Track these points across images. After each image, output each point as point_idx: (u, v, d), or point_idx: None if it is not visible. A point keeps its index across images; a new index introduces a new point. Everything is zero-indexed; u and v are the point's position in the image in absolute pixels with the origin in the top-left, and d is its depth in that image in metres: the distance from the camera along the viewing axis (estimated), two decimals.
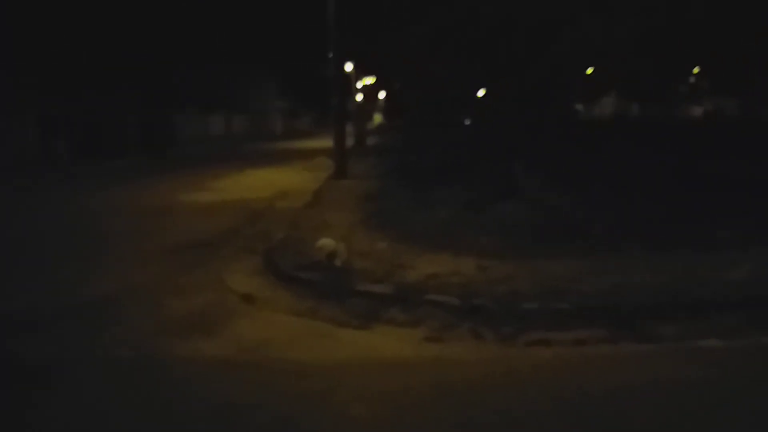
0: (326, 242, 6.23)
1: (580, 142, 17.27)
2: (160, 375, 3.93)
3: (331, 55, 15.20)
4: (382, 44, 16.24)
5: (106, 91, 26.83)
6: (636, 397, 3.41)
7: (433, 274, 5.70)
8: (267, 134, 49.66)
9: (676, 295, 4.89)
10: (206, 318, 4.96)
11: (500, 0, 9.02)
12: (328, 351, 4.22)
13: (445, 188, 10.79)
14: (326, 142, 30.91)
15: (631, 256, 6.01)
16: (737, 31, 21.85)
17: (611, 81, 41.40)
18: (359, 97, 38.32)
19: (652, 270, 5.51)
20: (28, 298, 5.63)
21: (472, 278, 5.55)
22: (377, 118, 61.15)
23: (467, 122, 37.60)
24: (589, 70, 28.99)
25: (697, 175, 11.45)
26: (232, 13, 39.87)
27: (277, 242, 7.48)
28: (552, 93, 12.45)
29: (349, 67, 47.66)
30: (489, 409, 3.30)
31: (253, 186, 14.22)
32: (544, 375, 3.76)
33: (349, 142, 19.48)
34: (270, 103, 56.98)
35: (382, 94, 59.09)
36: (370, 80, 47.23)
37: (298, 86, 62.29)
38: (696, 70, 36.78)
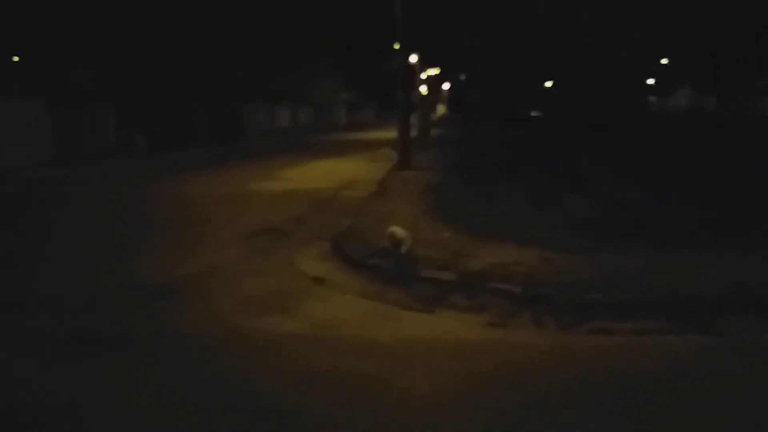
0: (396, 230, 6.47)
1: (650, 137, 16.82)
2: (240, 347, 4.28)
3: (396, 47, 15.41)
4: (445, 38, 16.30)
5: (178, 86, 28.11)
6: (694, 385, 3.49)
7: (497, 264, 5.85)
8: (331, 126, 50.51)
9: (742, 292, 4.86)
10: (281, 297, 5.30)
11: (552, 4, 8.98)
12: (394, 331, 4.46)
13: (509, 182, 10.80)
14: (389, 134, 31.30)
15: (697, 254, 5.95)
16: None
17: (687, 73, 39.79)
18: (423, 88, 38.39)
19: (719, 267, 5.46)
20: (123, 276, 6.14)
21: (535, 268, 5.66)
22: (441, 109, 60.95)
23: (534, 114, 36.93)
24: (664, 61, 28.01)
25: None
26: (298, 6, 40.74)
27: (345, 229, 7.78)
28: (620, 87, 12.21)
29: (413, 58, 47.69)
30: (549, 389, 3.46)
31: (319, 176, 14.63)
32: (603, 359, 3.88)
33: (413, 133, 19.63)
34: (334, 94, 57.90)
35: (446, 86, 58.89)
36: (434, 72, 47.12)
37: (362, 78, 62.92)
38: None
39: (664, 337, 4.24)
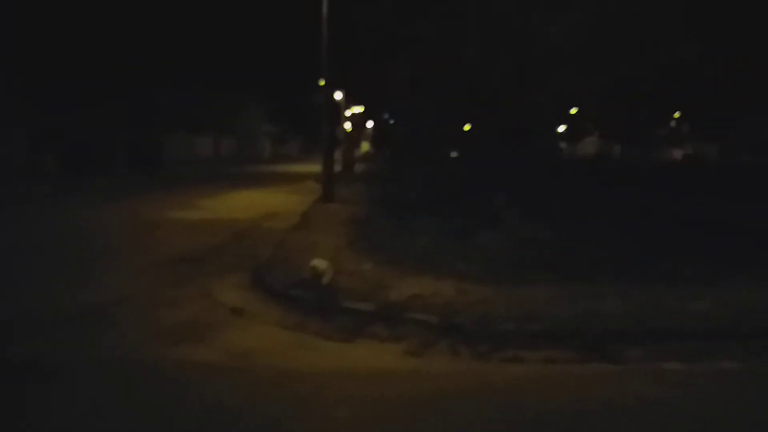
0: (318, 262, 6.49)
1: (560, 179, 17.88)
2: (152, 377, 4.13)
3: (321, 83, 15.63)
4: (370, 78, 16.74)
5: (94, 109, 27.07)
6: (596, 411, 3.69)
7: (415, 295, 5.98)
8: (255, 158, 50.00)
9: (642, 322, 5.21)
10: (197, 327, 5.17)
11: (477, 49, 9.51)
12: (313, 360, 4.46)
13: (429, 218, 11.10)
14: (313, 168, 31.29)
15: (602, 286, 6.33)
16: (717, 78, 22.75)
17: (594, 122, 42.50)
18: (348, 125, 38.90)
19: (622, 299, 5.84)
20: (29, 305, 5.79)
21: (451, 300, 5.84)
22: (365, 146, 61.83)
23: (453, 155, 38.18)
24: (573, 110, 29.87)
25: (671, 216, 11.92)
26: (224, 37, 40.43)
27: (265, 260, 7.71)
28: (533, 132, 12.96)
29: (338, 95, 48.35)
30: (461, 416, 3.56)
31: (241, 206, 14.44)
32: (514, 388, 4.04)
33: (338, 167, 19.82)
34: (258, 127, 57.51)
35: (370, 123, 59.95)
36: (358, 109, 47.89)
37: (287, 112, 62.92)
38: (677, 114, 37.95)
39: (569, 366, 4.47)
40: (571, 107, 9.65)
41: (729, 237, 9.42)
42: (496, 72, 9.61)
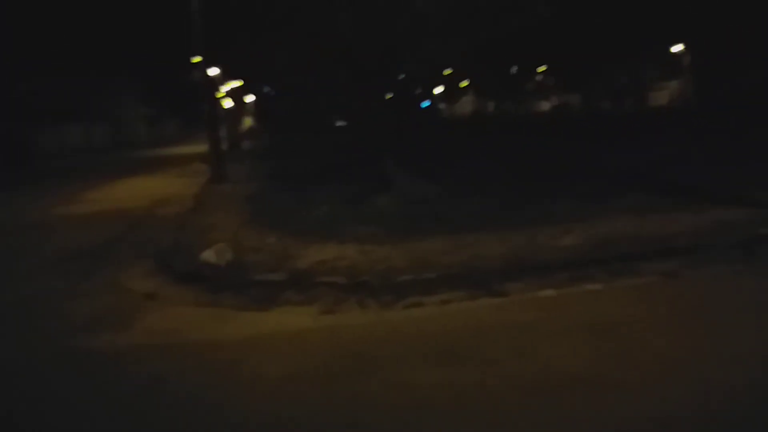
0: (208, 254, 6.64)
1: (442, 139, 18.93)
2: (75, 366, 4.30)
3: (196, 60, 15.34)
4: (247, 52, 16.62)
5: None
6: (484, 336, 4.36)
7: (322, 261, 6.42)
8: (132, 143, 47.49)
9: (521, 259, 6.00)
10: (113, 316, 5.32)
11: (349, 21, 9.92)
12: (234, 330, 4.81)
13: (323, 188, 11.49)
14: (197, 148, 30.57)
15: (485, 234, 7.08)
16: (573, 33, 24.64)
17: (468, 81, 44.36)
18: (228, 101, 37.95)
19: (502, 242, 6.62)
20: None
21: (355, 261, 6.34)
22: (247, 121, 60.45)
23: (340, 124, 38.52)
24: (447, 71, 31.08)
25: (543, 162, 13.11)
26: (89, 20, 37.72)
27: (167, 246, 7.80)
28: (413, 96, 13.65)
29: (214, 71, 46.65)
30: (374, 358, 4.09)
31: (128, 195, 14.07)
32: (416, 328, 4.63)
33: (224, 146, 19.55)
34: (132, 110, 54.50)
35: (250, 98, 58.56)
36: (237, 84, 46.70)
37: (162, 92, 59.97)
38: (542, 68, 40.46)
39: (462, 303, 5.13)
40: (441, 71, 10.33)
41: (593, 178, 10.59)
42: (368, 42, 10.07)
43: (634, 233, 6.67)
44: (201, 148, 31.73)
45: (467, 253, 6.29)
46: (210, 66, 17.07)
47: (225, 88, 37.02)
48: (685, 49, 30.79)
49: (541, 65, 39.07)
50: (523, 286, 5.45)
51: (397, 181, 9.83)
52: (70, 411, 3.60)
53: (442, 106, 48.02)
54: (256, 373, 3.94)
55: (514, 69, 37.29)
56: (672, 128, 18.96)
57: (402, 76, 10.79)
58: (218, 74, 45.36)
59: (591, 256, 6.10)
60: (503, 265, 5.88)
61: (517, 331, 4.42)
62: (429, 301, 5.20)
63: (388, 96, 11.63)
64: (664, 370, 3.61)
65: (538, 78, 42.83)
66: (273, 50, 11.96)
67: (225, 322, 5.01)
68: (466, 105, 50.31)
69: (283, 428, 3.27)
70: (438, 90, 40.62)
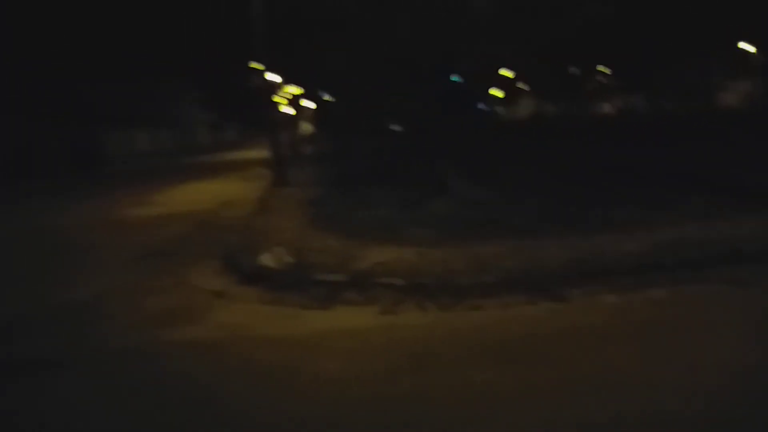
0: (266, 258, 6.80)
1: (498, 143, 18.85)
2: (159, 354, 4.59)
3: (256, 66, 15.81)
4: (306, 58, 17.03)
5: (28, 111, 26.26)
6: (545, 339, 4.39)
7: (381, 263, 6.55)
8: (194, 147, 49.22)
9: (582, 264, 5.96)
10: (185, 311, 5.62)
11: (408, 25, 10.06)
12: (299, 326, 5.00)
13: (381, 191, 11.68)
14: (256, 153, 31.41)
15: (545, 238, 7.07)
16: (637, 30, 23.98)
17: (528, 84, 43.78)
18: (287, 107, 38.79)
19: (563, 247, 6.58)
20: (22, 305, 6.09)
21: (413, 263, 6.45)
22: (306, 126, 61.56)
23: (395, 128, 38.79)
24: (505, 74, 30.81)
25: (604, 166, 12.89)
26: (152, 24, 39.39)
27: (233, 246, 8.12)
28: (471, 99, 13.71)
29: (274, 77, 47.66)
30: (435, 356, 4.19)
31: (194, 198, 14.63)
32: (476, 329, 4.69)
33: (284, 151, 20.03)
34: (195, 115, 56.45)
35: (309, 104, 59.66)
36: (295, 90, 47.63)
37: (222, 98, 61.82)
38: (603, 69, 39.55)
39: (522, 307, 5.16)
40: (498, 73, 10.29)
41: (656, 182, 10.37)
42: (426, 45, 10.19)
43: (699, 239, 6.52)
44: (261, 153, 32.67)
45: (526, 257, 6.30)
46: (270, 72, 17.50)
47: (284, 94, 37.88)
48: (756, 49, 29.49)
49: (602, 65, 38.18)
50: (584, 292, 5.43)
51: (453, 185, 9.91)
52: (158, 395, 3.86)
53: (500, 109, 47.54)
54: (321, 367, 4.11)
55: (574, 69, 36.54)
56: (741, 131, 18.21)
57: (459, 79, 10.85)
58: (278, 80, 46.03)
59: (655, 261, 6.02)
60: (564, 269, 5.86)
61: (577, 336, 4.43)
62: (488, 305, 5.25)
63: (444, 98, 11.72)
64: (729, 380, 3.57)
65: (600, 78, 41.84)
66: (331, 55, 12.26)
67: (290, 319, 5.21)
68: (524, 108, 49.67)
69: (347, 419, 3.41)
70: (496, 92, 40.25)
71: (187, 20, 42.10)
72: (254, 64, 16.13)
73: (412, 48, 9.62)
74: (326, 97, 47.26)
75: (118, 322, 5.40)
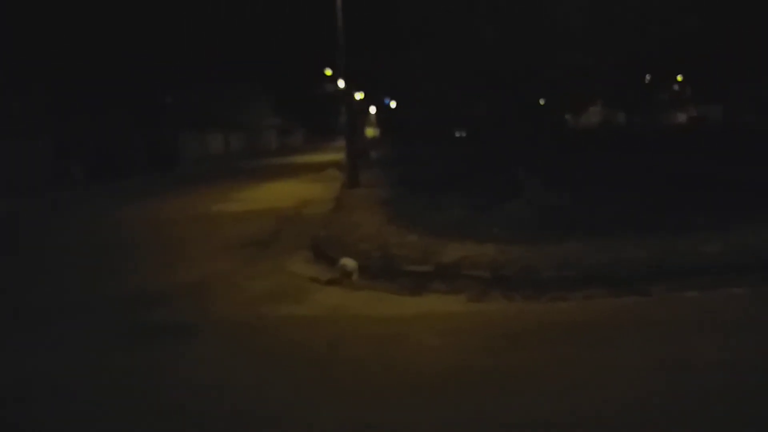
0: (348, 261, 6.64)
1: (573, 149, 18.81)
2: (273, 327, 5.14)
3: (328, 73, 16.48)
4: (380, 65, 17.51)
5: (111, 114, 28.10)
6: (630, 327, 4.64)
7: (463, 257, 6.90)
8: (263, 151, 50.83)
9: (663, 263, 6.14)
10: (287, 292, 6.16)
11: (492, 33, 10.35)
12: (394, 309, 5.44)
13: (451, 194, 12.01)
14: (321, 157, 32.19)
15: (623, 239, 7.23)
16: (719, 41, 23.41)
17: (598, 92, 43.05)
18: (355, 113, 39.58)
19: (642, 248, 6.74)
20: (143, 285, 6.80)
21: (495, 258, 6.75)
22: (370, 131, 62.50)
23: (459, 135, 39.00)
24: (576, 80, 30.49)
25: (679, 175, 12.78)
26: (225, 31, 41.21)
27: (322, 238, 8.66)
28: (547, 106, 13.87)
29: (342, 84, 48.73)
30: (525, 333, 4.53)
31: (273, 197, 15.37)
32: (561, 316, 4.99)
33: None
34: (264, 120, 58.30)
35: (372, 110, 60.63)
36: (359, 96, 48.45)
37: (290, 104, 63.69)
38: (679, 78, 38.61)
39: (606, 300, 5.41)
40: (581, 82, 10.39)
41: (733, 192, 10.27)
42: (509, 53, 10.46)
43: None
44: (327, 156, 33.56)
45: (607, 256, 6.50)
46: (348, 79, 18.05)
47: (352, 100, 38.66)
48: None
49: (678, 74, 37.24)
50: (666, 288, 5.61)
51: (528, 188, 10.14)
52: (284, 357, 4.38)
53: (568, 117, 46.96)
54: (420, 343, 4.51)
55: (647, 77, 35.79)
56: None
57: (538, 87, 11.07)
58: (345, 87, 46.85)
59: (735, 262, 6.12)
60: (644, 267, 6.05)
61: (661, 325, 4.66)
62: (572, 297, 5.52)
63: (522, 105, 11.96)
64: None
65: (675, 88, 40.78)
66: (408, 62, 12.68)
67: (385, 302, 5.65)
68: (592, 116, 48.85)
69: (453, 381, 3.79)
70: (565, 100, 39.79)
71: (259, 26, 43.80)
72: (327, 71, 16.76)
73: (496, 55, 9.90)
74: (389, 103, 48.00)
75: (229, 299, 5.98)
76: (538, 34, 9.69)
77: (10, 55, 22.76)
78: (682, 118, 43.35)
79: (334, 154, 37.90)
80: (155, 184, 21.62)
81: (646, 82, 36.80)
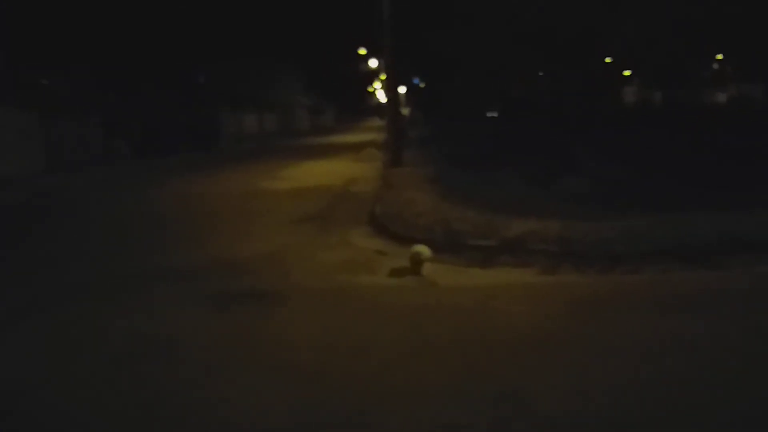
0: (421, 248, 6.03)
1: (627, 125, 18.62)
2: (355, 293, 5.31)
3: (362, 52, 16.41)
4: (422, 44, 17.39)
5: (152, 93, 28.60)
6: (708, 298, 4.70)
7: (528, 232, 6.95)
8: (296, 130, 51.08)
9: (736, 238, 6.11)
10: (358, 263, 6.31)
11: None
12: (469, 279, 5.55)
13: (501, 170, 12.02)
14: (356, 137, 32.28)
15: (691, 214, 7.20)
16: (762, 18, 22.71)
17: (634, 70, 42.16)
18: (381, 92, 39.52)
19: (710, 222, 6.71)
20: (217, 255, 7.00)
21: (561, 233, 6.78)
22: (404, 111, 62.27)
23: (491, 114, 38.72)
24: (608, 60, 29.97)
25: (729, 150, 12.60)
26: (257, 9, 41.49)
27: (380, 214, 8.78)
28: (605, 81, 13.74)
29: (374, 63, 48.59)
30: (605, 301, 4.64)
31: (318, 175, 15.51)
32: (639, 289, 5.05)
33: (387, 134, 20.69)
34: (296, 99, 58.43)
35: (402, 89, 60.34)
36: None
37: (321, 84, 63.78)
38: (719, 56, 37.56)
39: (682, 273, 5.44)
40: (636, 53, 10.22)
41: None
42: (566, 24, 10.34)
43: None
44: (362, 136, 33.62)
45: (675, 230, 6.48)
46: (395, 58, 17.72)
47: (382, 79, 38.59)
48: None
49: (718, 53, 36.26)
50: (739, 262, 5.61)
51: (585, 163, 10.12)
52: (375, 319, 4.57)
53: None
54: (506, 311, 4.62)
55: (686, 54, 34.88)
56: None
57: (596, 60, 10.97)
58: (377, 66, 47.07)
59: None
60: (716, 241, 6.04)
61: (735, 297, 4.71)
62: (645, 269, 5.56)
63: (583, 81, 11.87)
64: None
65: (714, 66, 39.73)
66: (446, 36, 12.60)
67: (458, 274, 5.77)
68: (628, 95, 47.93)
69: (542, 347, 3.89)
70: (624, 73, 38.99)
71: (291, 7, 43.88)
72: (361, 51, 16.70)
73: (554, 26, 9.79)
74: (418, 83, 47.77)
75: (306, 269, 6.16)
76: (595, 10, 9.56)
77: (57, 38, 23.37)
78: (722, 97, 42.26)
79: (369, 134, 38.00)
80: (199, 161, 21.96)
81: (685, 60, 35.90)
